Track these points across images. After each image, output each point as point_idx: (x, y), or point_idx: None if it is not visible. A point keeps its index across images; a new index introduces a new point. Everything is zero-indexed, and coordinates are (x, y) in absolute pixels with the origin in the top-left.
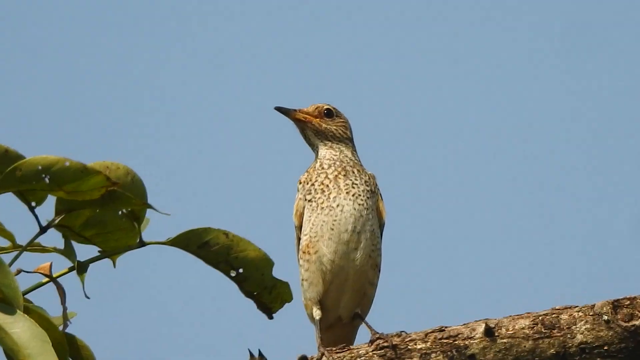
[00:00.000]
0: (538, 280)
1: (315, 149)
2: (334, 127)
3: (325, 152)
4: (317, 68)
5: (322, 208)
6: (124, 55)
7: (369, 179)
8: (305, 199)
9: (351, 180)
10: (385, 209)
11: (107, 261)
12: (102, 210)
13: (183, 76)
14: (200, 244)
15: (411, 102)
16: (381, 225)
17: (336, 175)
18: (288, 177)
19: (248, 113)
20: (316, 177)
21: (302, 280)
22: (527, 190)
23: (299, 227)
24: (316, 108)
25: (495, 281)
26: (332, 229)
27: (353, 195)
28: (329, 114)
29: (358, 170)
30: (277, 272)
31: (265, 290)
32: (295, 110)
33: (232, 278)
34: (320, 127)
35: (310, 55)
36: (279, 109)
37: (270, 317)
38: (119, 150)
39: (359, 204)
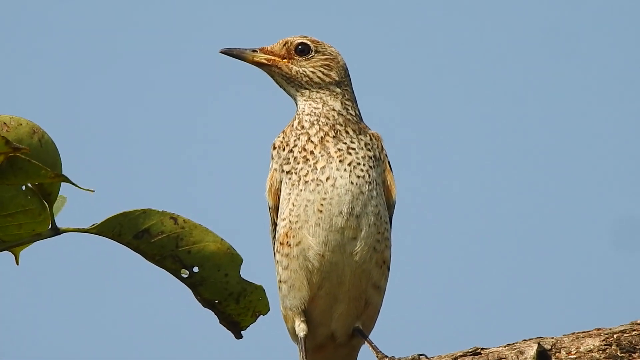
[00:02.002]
0: (608, 284)
1: (295, 101)
2: (310, 69)
3: (304, 105)
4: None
5: (306, 182)
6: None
7: (372, 140)
8: (283, 170)
9: (346, 143)
10: (395, 182)
11: (6, 255)
12: None
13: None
14: (137, 232)
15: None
16: (390, 206)
17: (323, 137)
18: (261, 142)
19: (204, 58)
20: (295, 140)
21: (280, 282)
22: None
23: (275, 209)
24: (284, 44)
25: (548, 284)
26: (321, 212)
27: (349, 164)
28: (304, 50)
29: (354, 130)
30: (247, 273)
31: (230, 298)
32: (254, 50)
33: (183, 280)
34: (290, 70)
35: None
36: (227, 51)
37: (239, 336)
38: (25, 103)
39: (358, 176)
